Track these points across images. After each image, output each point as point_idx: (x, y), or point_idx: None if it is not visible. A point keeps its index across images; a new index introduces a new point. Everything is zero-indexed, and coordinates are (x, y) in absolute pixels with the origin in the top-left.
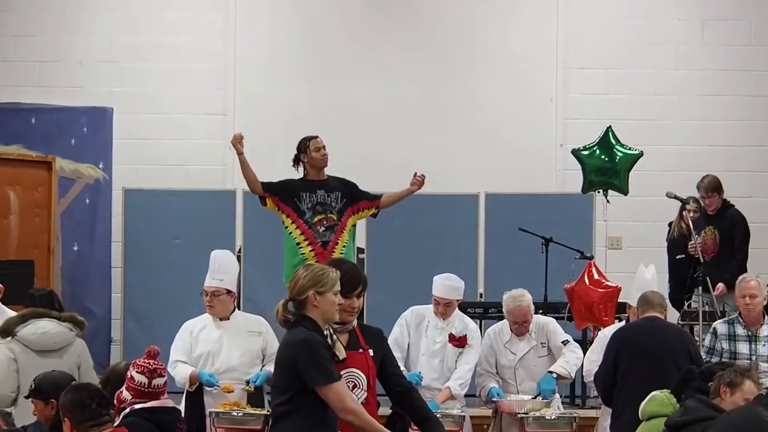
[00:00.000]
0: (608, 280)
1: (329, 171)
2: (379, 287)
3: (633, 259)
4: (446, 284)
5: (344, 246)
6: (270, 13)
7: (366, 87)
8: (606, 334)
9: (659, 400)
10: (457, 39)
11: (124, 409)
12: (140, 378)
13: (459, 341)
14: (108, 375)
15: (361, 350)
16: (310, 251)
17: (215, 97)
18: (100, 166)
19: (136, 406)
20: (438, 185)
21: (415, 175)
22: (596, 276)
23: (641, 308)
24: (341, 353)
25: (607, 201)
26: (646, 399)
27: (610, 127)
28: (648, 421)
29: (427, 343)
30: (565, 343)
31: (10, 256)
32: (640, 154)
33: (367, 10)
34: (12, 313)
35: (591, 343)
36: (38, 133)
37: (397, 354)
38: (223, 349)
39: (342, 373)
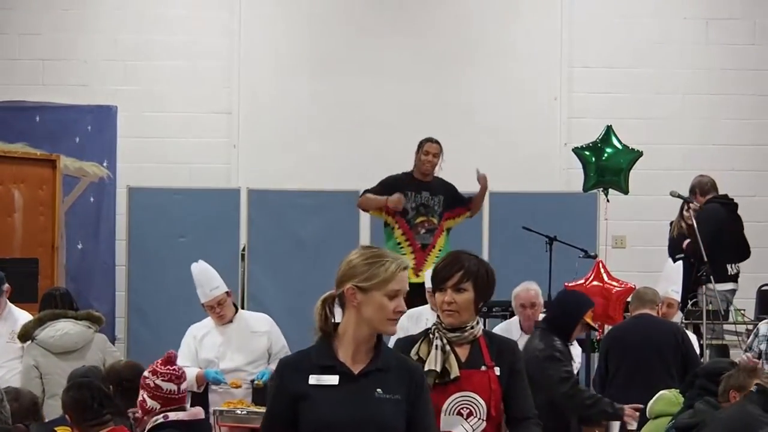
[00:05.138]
0: (617, 279)
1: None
2: None
3: (637, 258)
4: None
5: (440, 250)
6: (275, 12)
7: (370, 86)
8: None
9: (666, 399)
10: (461, 38)
11: (150, 417)
12: (169, 386)
13: None
14: (105, 374)
15: (483, 368)
16: (411, 253)
17: (220, 95)
18: (105, 164)
19: (170, 416)
20: None
21: (477, 173)
22: (606, 275)
23: (633, 305)
24: (453, 371)
25: (608, 200)
26: (654, 398)
27: (610, 126)
28: (655, 420)
29: None
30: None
31: (14, 254)
32: (640, 154)
33: (371, 8)
34: (23, 313)
35: (595, 341)
36: (43, 131)
37: None
38: (227, 354)
39: (454, 397)
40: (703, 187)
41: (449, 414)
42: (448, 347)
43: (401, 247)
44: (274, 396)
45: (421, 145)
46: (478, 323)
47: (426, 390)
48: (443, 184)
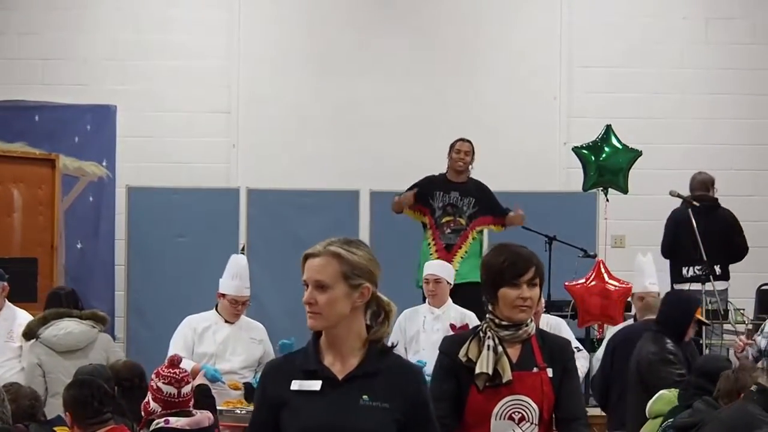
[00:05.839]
0: (617, 279)
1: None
2: (381, 285)
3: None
4: (434, 263)
5: (466, 252)
6: (274, 11)
7: (370, 85)
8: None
9: (666, 399)
10: (461, 38)
11: (152, 420)
12: (169, 389)
13: (462, 329)
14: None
15: (535, 369)
16: (435, 251)
17: (219, 95)
18: (104, 163)
19: (171, 421)
20: None
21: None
22: (606, 275)
23: (640, 313)
24: (506, 374)
25: (607, 200)
26: (654, 398)
27: (609, 125)
28: (654, 420)
29: (426, 337)
30: (578, 350)
31: (13, 253)
32: (639, 153)
33: (371, 8)
34: (21, 311)
35: (595, 341)
36: (42, 130)
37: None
38: (227, 352)
39: (505, 401)
40: (691, 184)
41: (500, 419)
42: (500, 348)
43: (430, 246)
44: (256, 402)
45: (452, 144)
46: (532, 321)
47: (426, 397)
48: (478, 187)
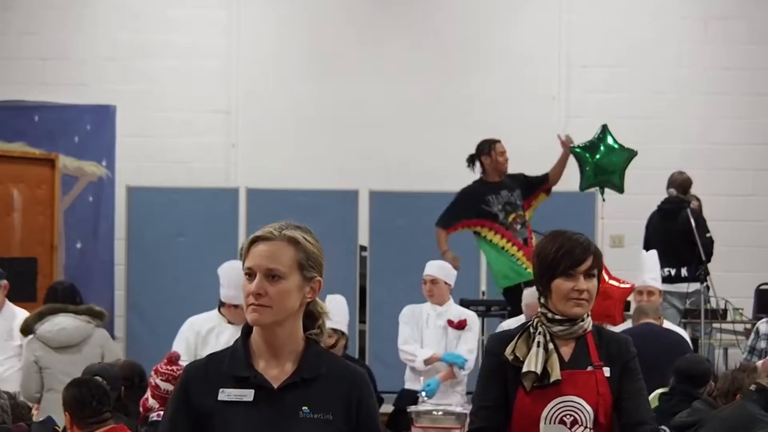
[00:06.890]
0: (618, 279)
1: None
2: (381, 285)
3: (635, 258)
4: (433, 263)
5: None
6: (273, 11)
7: (369, 85)
8: None
9: None
10: (460, 37)
11: (149, 416)
12: (166, 386)
13: (458, 324)
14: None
15: (590, 368)
16: (517, 250)
17: (218, 94)
18: (104, 163)
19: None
20: (440, 183)
21: (559, 138)
22: (606, 275)
23: (635, 317)
24: (554, 373)
25: (603, 199)
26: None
27: (605, 125)
28: None
29: (429, 335)
30: None
31: (13, 253)
32: (635, 153)
33: (370, 7)
34: (21, 311)
35: None
36: (42, 130)
37: (410, 346)
38: None
39: (555, 402)
40: (672, 184)
41: (550, 422)
42: (551, 345)
43: (506, 251)
44: (173, 410)
45: (489, 147)
46: (588, 315)
47: (370, 404)
48: (512, 177)
